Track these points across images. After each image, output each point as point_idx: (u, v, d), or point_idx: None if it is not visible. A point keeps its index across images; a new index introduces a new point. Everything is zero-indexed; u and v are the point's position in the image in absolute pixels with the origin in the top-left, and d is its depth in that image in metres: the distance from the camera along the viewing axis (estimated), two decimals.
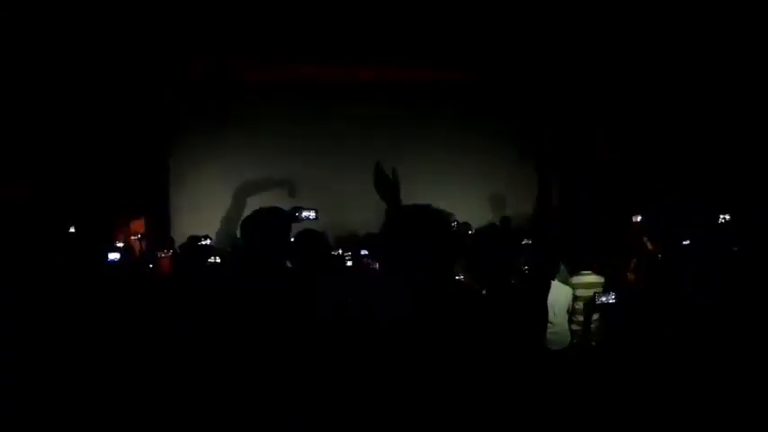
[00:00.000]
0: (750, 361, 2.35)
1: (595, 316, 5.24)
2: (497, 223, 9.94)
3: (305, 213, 3.24)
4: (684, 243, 6.19)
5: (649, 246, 6.26)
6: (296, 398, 1.71)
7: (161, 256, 7.48)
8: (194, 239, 7.65)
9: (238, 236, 2.56)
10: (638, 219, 8.47)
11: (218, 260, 6.22)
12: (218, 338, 2.23)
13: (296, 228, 2.88)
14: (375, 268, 5.65)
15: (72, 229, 7.19)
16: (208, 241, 8.58)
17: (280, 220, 2.54)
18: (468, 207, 10.22)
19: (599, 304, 4.13)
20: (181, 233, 9.65)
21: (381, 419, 1.61)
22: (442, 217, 1.82)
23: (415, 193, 2.17)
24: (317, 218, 3.42)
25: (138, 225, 10.77)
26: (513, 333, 2.17)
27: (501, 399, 1.72)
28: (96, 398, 2.71)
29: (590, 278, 5.48)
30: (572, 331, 5.20)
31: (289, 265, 2.76)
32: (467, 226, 9.49)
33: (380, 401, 1.61)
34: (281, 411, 1.83)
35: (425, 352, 1.65)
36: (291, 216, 3.06)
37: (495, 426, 1.65)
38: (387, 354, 1.65)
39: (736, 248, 5.02)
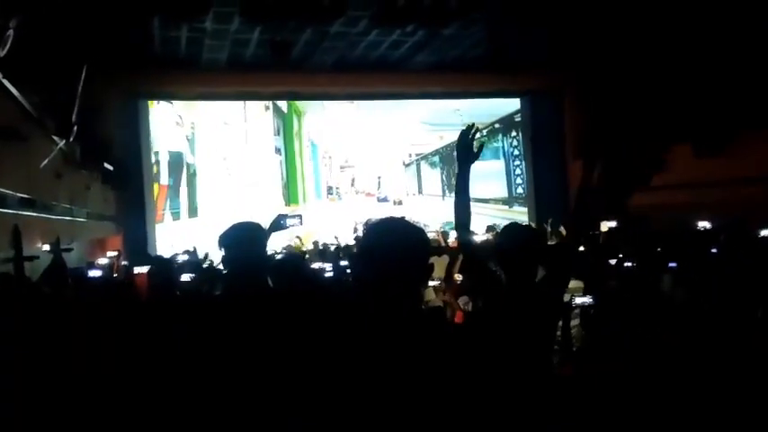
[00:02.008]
0: (747, 363, 2.39)
1: (575, 321, 5.27)
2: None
3: (290, 221, 3.18)
4: (658, 250, 6.28)
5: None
6: (295, 398, 1.71)
7: (137, 273, 7.38)
8: (159, 259, 7.52)
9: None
10: (613, 225, 8.57)
11: (191, 276, 6.12)
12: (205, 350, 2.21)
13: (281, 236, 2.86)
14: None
15: (46, 247, 7.05)
16: (186, 257, 8.49)
17: (257, 233, 2.53)
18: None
19: (577, 308, 4.14)
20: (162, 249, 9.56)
21: (381, 420, 1.62)
22: (416, 230, 1.84)
23: None
24: (301, 223, 3.38)
25: (115, 241, 10.66)
26: (530, 333, 2.17)
27: (503, 399, 1.74)
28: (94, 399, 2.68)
29: (570, 283, 5.50)
30: None
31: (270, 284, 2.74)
32: (445, 234, 9.55)
33: (379, 402, 1.63)
34: (280, 411, 1.82)
35: (421, 356, 1.67)
36: (276, 224, 3.02)
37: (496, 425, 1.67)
38: (384, 356, 1.66)
39: (714, 250, 5.09)
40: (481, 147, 2.29)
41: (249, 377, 2.11)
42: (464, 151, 2.31)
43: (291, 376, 1.73)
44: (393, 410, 1.62)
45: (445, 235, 9.35)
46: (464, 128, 2.40)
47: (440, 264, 5.77)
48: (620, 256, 6.00)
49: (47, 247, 7.06)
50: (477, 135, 2.39)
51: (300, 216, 3.40)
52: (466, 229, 2.60)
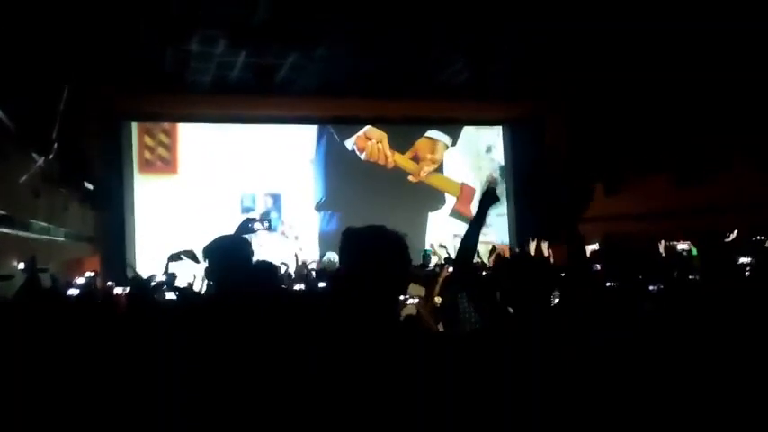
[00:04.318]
0: (747, 363, 2.43)
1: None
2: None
3: (257, 225, 3.17)
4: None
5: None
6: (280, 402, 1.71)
7: (117, 294, 7.25)
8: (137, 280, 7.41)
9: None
10: (595, 247, 8.63)
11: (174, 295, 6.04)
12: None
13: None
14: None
15: (21, 266, 6.94)
16: (164, 278, 8.35)
17: (242, 245, 2.53)
18: None
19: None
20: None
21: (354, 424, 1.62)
22: (396, 237, 1.86)
23: None
24: (269, 227, 3.36)
25: (92, 262, 10.50)
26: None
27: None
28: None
29: None
30: None
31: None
32: (427, 257, 9.57)
33: (357, 407, 1.63)
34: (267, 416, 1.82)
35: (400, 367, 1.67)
36: (244, 228, 2.99)
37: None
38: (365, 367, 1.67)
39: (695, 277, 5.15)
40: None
41: (237, 384, 2.09)
42: (489, 196, 2.70)
43: (276, 381, 1.73)
44: (368, 415, 1.62)
45: (427, 258, 9.37)
46: (490, 183, 2.74)
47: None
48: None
49: (22, 266, 6.95)
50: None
51: (270, 220, 3.40)
52: (470, 257, 2.75)
